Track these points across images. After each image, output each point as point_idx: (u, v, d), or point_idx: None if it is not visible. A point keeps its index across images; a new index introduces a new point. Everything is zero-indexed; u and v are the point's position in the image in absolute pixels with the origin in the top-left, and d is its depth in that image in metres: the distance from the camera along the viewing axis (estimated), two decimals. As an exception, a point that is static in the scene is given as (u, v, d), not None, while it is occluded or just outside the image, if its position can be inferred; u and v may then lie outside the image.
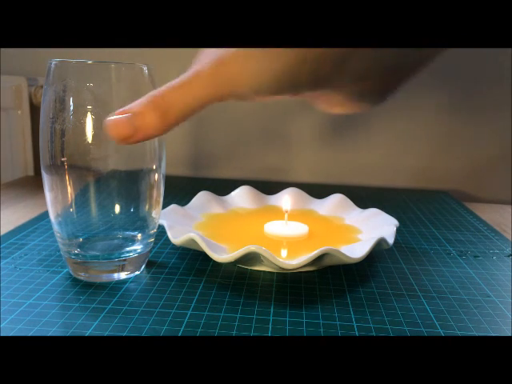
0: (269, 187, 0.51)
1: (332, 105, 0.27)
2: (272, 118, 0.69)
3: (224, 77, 0.23)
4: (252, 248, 0.30)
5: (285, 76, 0.23)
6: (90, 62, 0.29)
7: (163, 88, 0.23)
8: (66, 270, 0.34)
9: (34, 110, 0.67)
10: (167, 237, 0.40)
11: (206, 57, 0.24)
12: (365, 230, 0.40)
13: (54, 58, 0.30)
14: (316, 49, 0.22)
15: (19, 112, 0.66)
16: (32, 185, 0.61)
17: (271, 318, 0.28)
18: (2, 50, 0.68)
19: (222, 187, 0.52)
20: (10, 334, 0.26)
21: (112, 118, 0.23)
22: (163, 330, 0.27)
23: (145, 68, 0.31)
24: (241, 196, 0.47)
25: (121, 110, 0.23)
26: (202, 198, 0.45)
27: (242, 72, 0.23)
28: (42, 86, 0.64)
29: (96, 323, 0.27)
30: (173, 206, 0.41)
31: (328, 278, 0.34)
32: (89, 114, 0.29)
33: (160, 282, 0.33)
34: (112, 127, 0.23)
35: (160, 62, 0.68)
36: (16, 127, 0.66)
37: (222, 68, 0.23)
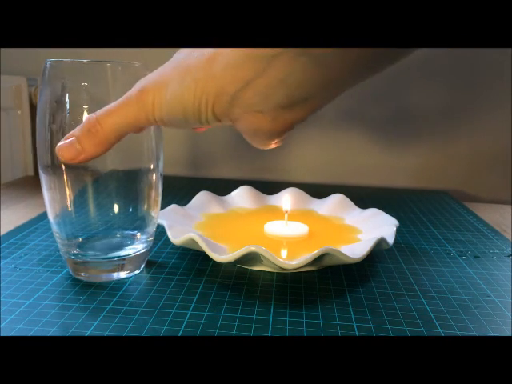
0: (269, 187, 0.51)
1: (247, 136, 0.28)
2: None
3: (145, 104, 0.25)
4: (252, 248, 0.30)
5: (189, 109, 0.25)
6: (85, 61, 0.29)
7: (100, 112, 0.26)
8: (65, 270, 0.34)
9: (34, 110, 0.67)
10: (167, 237, 0.40)
11: (139, 83, 0.26)
12: (365, 230, 0.40)
13: (54, 57, 0.30)
14: (215, 81, 0.24)
15: (19, 112, 0.66)
16: (32, 185, 0.61)
17: (271, 318, 0.28)
18: (2, 50, 0.68)
19: (222, 187, 0.52)
20: (10, 334, 0.26)
21: (61, 142, 0.27)
22: (163, 330, 0.27)
23: (141, 67, 0.31)
24: (241, 196, 0.47)
25: (69, 134, 0.27)
26: (201, 198, 0.45)
27: (157, 101, 0.25)
28: (41, 86, 0.65)
29: (96, 323, 0.27)
30: (173, 206, 0.41)
31: (328, 277, 0.34)
32: (85, 114, 0.29)
33: (160, 282, 0.33)
34: (59, 151, 0.27)
35: (160, 61, 0.68)
36: (16, 127, 0.66)
37: (144, 96, 0.25)
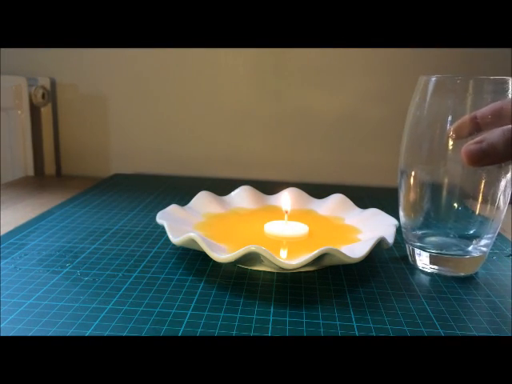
0: (269, 187, 0.51)
1: None
2: (273, 118, 0.69)
3: None
4: (252, 248, 0.30)
5: None
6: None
7: None
8: (65, 270, 0.34)
9: (34, 110, 0.67)
10: (167, 237, 0.40)
11: None
12: (365, 230, 0.40)
13: (54, 57, 0.30)
14: None
15: (19, 112, 0.66)
16: (32, 185, 0.61)
17: (271, 318, 0.28)
18: (2, 50, 0.68)
19: (222, 187, 0.52)
20: (10, 334, 0.26)
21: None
22: (163, 330, 0.27)
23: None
24: (241, 196, 0.47)
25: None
26: (202, 197, 0.45)
27: None
28: (41, 86, 0.64)
29: (96, 323, 0.27)
30: (173, 206, 0.41)
31: (328, 277, 0.34)
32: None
33: (160, 282, 0.33)
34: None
35: (161, 61, 0.68)
36: (16, 127, 0.66)
37: None
